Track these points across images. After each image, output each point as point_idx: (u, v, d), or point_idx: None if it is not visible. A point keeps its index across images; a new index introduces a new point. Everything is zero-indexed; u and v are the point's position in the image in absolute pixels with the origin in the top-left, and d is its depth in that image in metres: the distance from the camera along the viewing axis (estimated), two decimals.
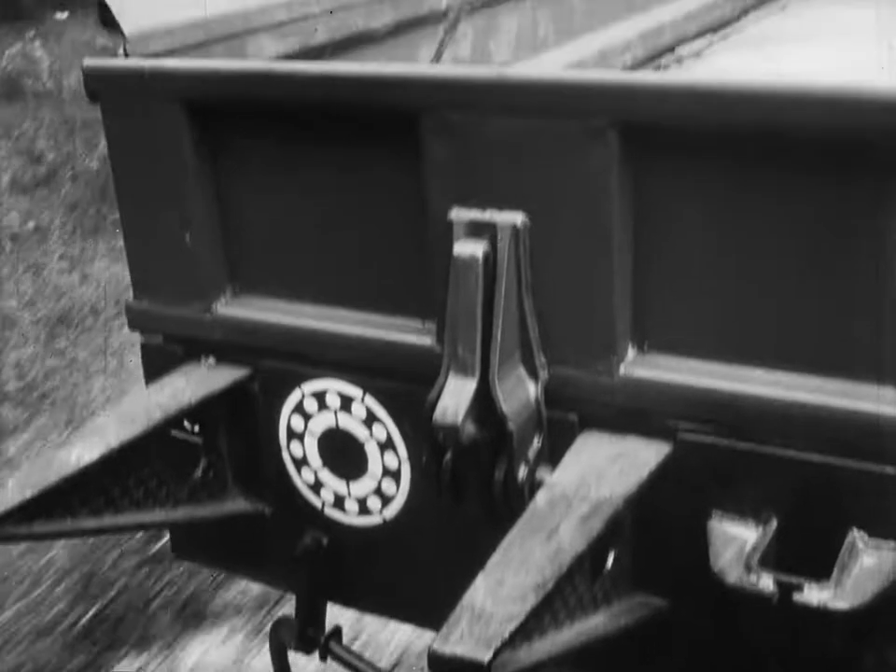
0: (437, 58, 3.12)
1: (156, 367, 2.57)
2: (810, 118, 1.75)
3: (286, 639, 2.75)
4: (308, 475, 2.48)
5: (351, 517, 2.46)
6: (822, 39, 6.16)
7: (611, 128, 1.86)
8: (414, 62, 3.61)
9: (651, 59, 5.41)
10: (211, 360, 2.52)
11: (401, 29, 3.51)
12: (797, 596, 1.77)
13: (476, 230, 2.01)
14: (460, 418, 1.98)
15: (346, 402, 2.34)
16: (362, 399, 2.32)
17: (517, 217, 1.99)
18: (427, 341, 2.17)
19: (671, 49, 5.65)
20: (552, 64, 3.99)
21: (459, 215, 2.03)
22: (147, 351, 2.64)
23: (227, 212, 2.40)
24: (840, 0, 7.64)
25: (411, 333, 2.21)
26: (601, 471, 1.97)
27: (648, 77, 1.94)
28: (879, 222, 1.77)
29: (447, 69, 2.23)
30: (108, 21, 2.57)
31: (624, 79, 1.91)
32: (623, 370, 2.01)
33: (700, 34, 6.04)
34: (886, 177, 1.75)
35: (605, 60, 4.83)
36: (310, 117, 2.23)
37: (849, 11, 7.20)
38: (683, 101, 1.83)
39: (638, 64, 5.26)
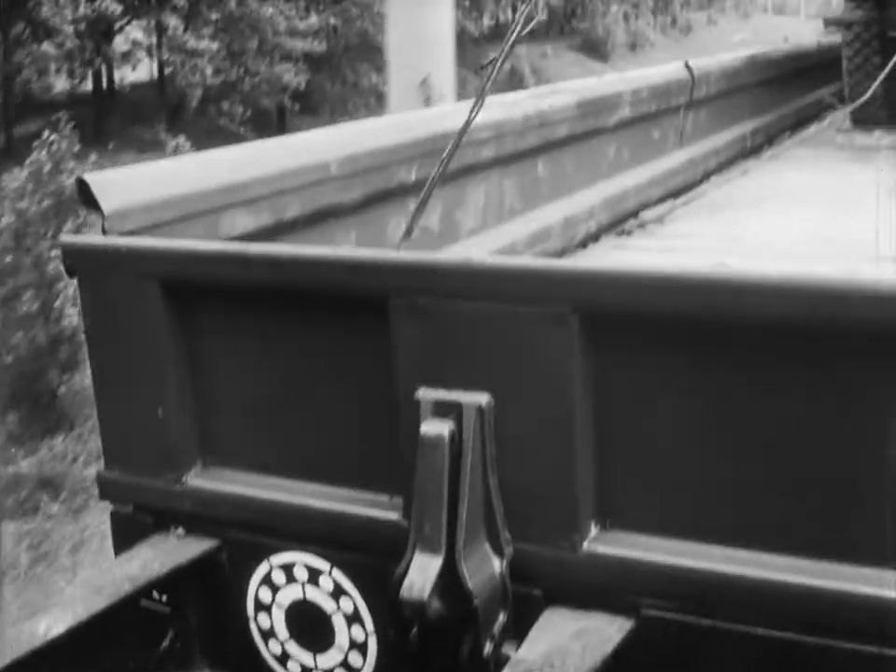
0: (408, 233, 3.21)
1: (125, 536, 2.58)
2: (752, 305, 1.84)
3: None
4: (275, 647, 2.48)
5: None
6: (781, 204, 6.36)
7: (572, 313, 1.94)
8: (384, 234, 3.72)
9: (616, 224, 5.57)
10: (180, 531, 2.54)
11: (371, 202, 3.62)
12: None
13: (442, 409, 2.06)
14: (426, 594, 2.01)
15: (314, 575, 2.36)
16: (330, 573, 2.34)
17: (482, 398, 2.04)
18: (394, 516, 2.21)
19: (635, 214, 5.82)
20: (481, 249, 4.12)
21: (426, 394, 2.08)
22: (116, 520, 2.66)
23: (199, 386, 2.45)
24: (799, 164, 7.91)
25: (378, 508, 2.25)
26: (566, 648, 1.99)
27: (606, 266, 2.02)
28: (826, 405, 1.85)
29: (415, 255, 2.30)
30: (88, 199, 2.65)
31: (584, 269, 1.99)
32: (586, 546, 2.05)
33: (663, 199, 6.23)
34: (829, 363, 1.82)
35: (569, 227, 4.97)
36: (282, 296, 2.30)
37: (807, 175, 7.44)
38: (639, 289, 1.91)
39: (603, 230, 5.42)
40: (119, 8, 23.77)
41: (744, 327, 1.89)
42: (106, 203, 2.63)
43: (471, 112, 3.18)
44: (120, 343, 2.48)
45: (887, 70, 7.74)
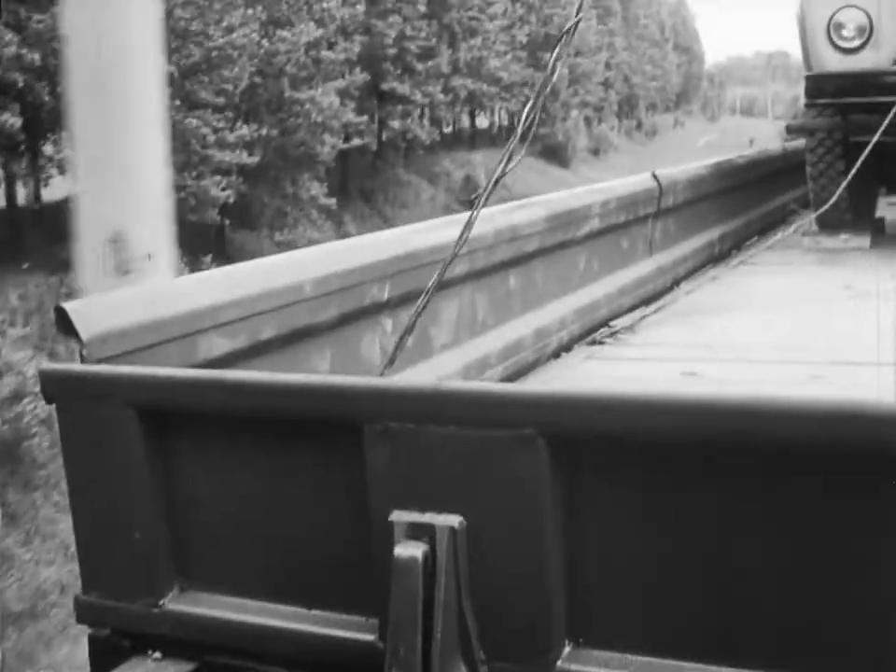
0: (391, 361, 3.28)
1: (103, 660, 2.59)
2: (707, 426, 1.90)
3: None
4: None
5: None
6: (751, 309, 6.47)
7: (539, 436, 1.99)
8: (358, 352, 3.78)
9: (588, 334, 5.65)
10: (157, 655, 2.55)
11: (345, 321, 3.69)
12: None
13: (416, 531, 2.10)
14: None
15: None
16: None
17: (455, 520, 2.08)
18: (370, 637, 2.23)
19: (607, 323, 5.90)
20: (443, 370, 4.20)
21: (400, 517, 2.12)
22: (94, 643, 2.66)
23: (177, 511, 2.48)
24: (767, 269, 8.05)
25: (355, 630, 2.27)
26: None
27: (569, 390, 2.07)
28: (786, 525, 1.90)
29: (387, 381, 2.36)
30: (67, 328, 2.71)
31: (549, 393, 2.05)
32: (560, 665, 2.07)
33: (634, 307, 6.32)
34: (794, 483, 1.88)
35: (541, 338, 5.05)
36: (258, 421, 2.34)
37: (776, 280, 7.57)
38: (602, 412, 1.97)
39: (575, 340, 5.49)
40: (18, 122, 23.63)
41: (705, 447, 1.94)
42: (85, 331, 2.69)
43: (462, 234, 3.28)
44: (98, 467, 2.52)
45: (850, 175, 7.91)
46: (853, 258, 8.45)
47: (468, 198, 49.61)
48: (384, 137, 49.22)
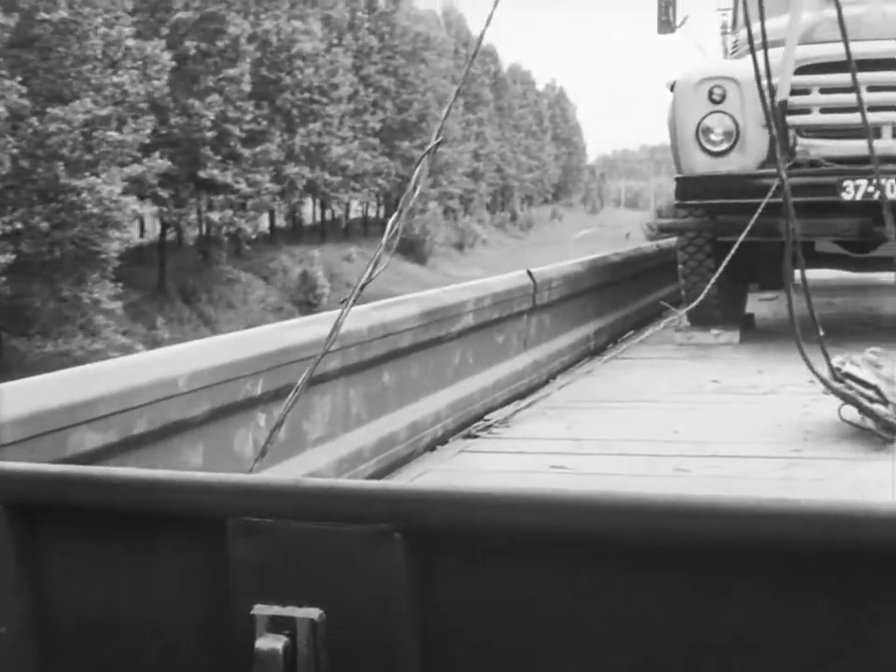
0: (262, 454, 3.33)
1: None
2: (576, 523, 1.99)
3: None
4: None
5: None
6: (623, 403, 6.64)
7: (396, 531, 2.07)
8: (231, 447, 3.83)
9: (462, 427, 5.76)
10: None
11: (218, 416, 3.74)
12: None
13: (277, 624, 2.15)
14: None
15: None
16: None
17: (315, 613, 2.14)
18: None
19: (481, 416, 6.02)
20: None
21: (261, 610, 2.17)
22: None
23: (45, 605, 2.50)
24: (640, 363, 8.26)
25: None
26: None
27: (424, 486, 2.16)
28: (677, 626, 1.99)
29: (249, 478, 2.42)
30: None
31: (404, 489, 2.13)
32: None
33: (509, 401, 6.45)
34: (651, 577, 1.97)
35: (415, 432, 5.14)
36: (125, 516, 2.38)
37: (648, 374, 7.78)
38: (456, 507, 2.05)
39: (449, 434, 5.59)
40: None
41: (562, 543, 2.03)
42: None
43: (331, 333, 3.35)
44: None
45: (718, 273, 8.18)
46: (723, 353, 8.71)
47: (304, 298, 47.63)
48: (205, 231, 45.98)
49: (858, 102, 5.90)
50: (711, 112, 8.68)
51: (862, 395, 5.21)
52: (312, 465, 4.29)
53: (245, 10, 45.98)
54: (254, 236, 46.08)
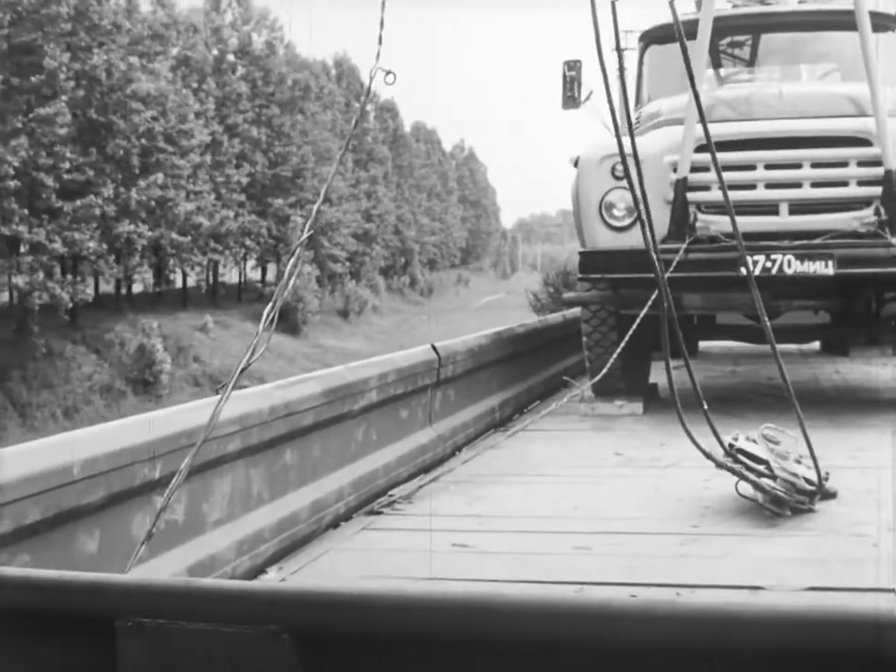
0: (149, 536, 3.32)
1: None
2: (455, 624, 2.01)
3: None
4: None
5: None
6: (528, 476, 6.69)
7: (285, 633, 2.08)
8: (128, 533, 3.80)
9: (366, 504, 5.76)
10: None
11: (115, 501, 3.71)
12: None
13: None
14: None
15: None
16: None
17: None
18: None
19: (385, 492, 6.03)
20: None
21: None
22: None
23: None
24: (545, 435, 8.33)
25: None
26: None
27: (314, 587, 2.17)
28: None
29: (138, 578, 2.42)
30: None
31: (293, 590, 2.15)
32: None
33: (413, 476, 6.47)
34: None
35: (318, 510, 5.13)
36: (11, 615, 2.36)
37: (552, 446, 7.85)
38: (346, 609, 2.07)
39: (352, 511, 5.59)
40: None
41: (460, 644, 2.05)
42: None
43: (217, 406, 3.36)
44: None
45: (621, 346, 8.31)
46: (626, 424, 8.82)
47: (140, 375, 42.33)
48: (13, 297, 40.01)
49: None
50: (614, 188, 8.85)
51: (751, 470, 5.33)
52: (210, 548, 4.27)
53: (71, 43, 40.58)
54: (70, 305, 41.05)
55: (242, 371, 3.20)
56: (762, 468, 5.33)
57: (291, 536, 4.90)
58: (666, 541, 5.09)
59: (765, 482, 5.32)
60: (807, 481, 5.43)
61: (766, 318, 10.02)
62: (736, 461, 5.34)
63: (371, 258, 73.42)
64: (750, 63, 10.46)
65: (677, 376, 11.84)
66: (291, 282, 3.26)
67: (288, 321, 52.67)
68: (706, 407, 5.38)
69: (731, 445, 5.38)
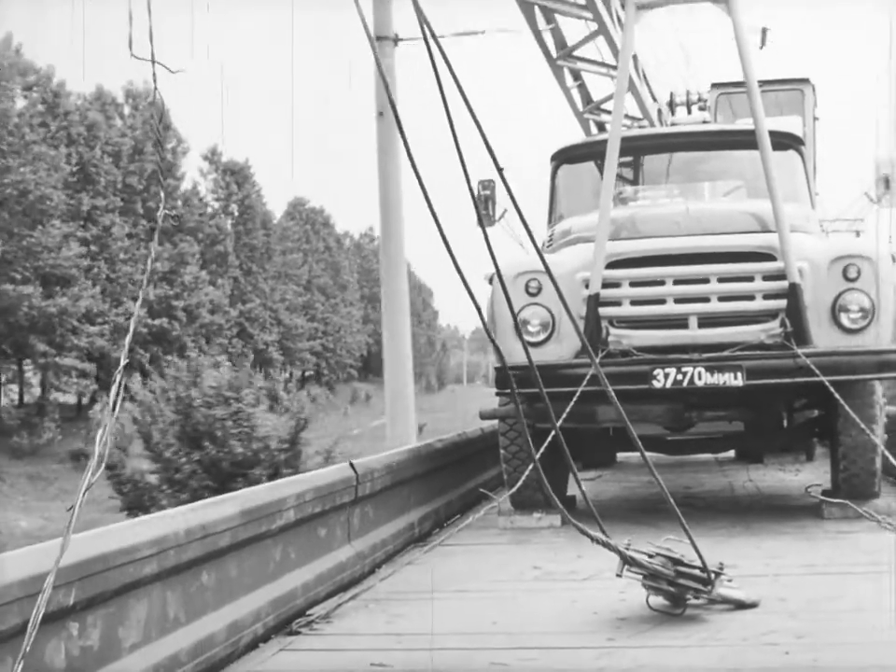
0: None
1: None
2: None
3: None
4: None
5: None
6: (447, 592, 6.71)
7: None
8: (42, 659, 3.78)
9: (284, 624, 5.76)
10: None
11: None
12: None
13: None
14: None
15: None
16: None
17: None
18: None
19: (303, 611, 6.03)
20: None
21: None
22: None
23: None
24: (464, 549, 8.37)
25: None
26: None
27: None
28: None
29: None
30: None
31: None
32: None
33: (332, 594, 6.48)
34: None
35: (235, 632, 5.13)
36: None
37: (471, 560, 7.88)
38: None
39: (270, 631, 5.59)
40: None
41: None
42: None
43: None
44: None
45: (536, 457, 8.40)
46: (545, 536, 8.89)
47: None
48: None
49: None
50: (528, 304, 9.04)
51: (651, 577, 5.60)
52: None
53: None
54: None
55: (87, 490, 3.30)
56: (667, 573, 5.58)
57: (208, 659, 4.88)
58: (583, 655, 5.15)
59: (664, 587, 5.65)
60: (696, 577, 5.68)
61: (680, 427, 10.25)
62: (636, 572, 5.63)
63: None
64: (657, 181, 10.79)
65: (595, 487, 12.03)
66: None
67: None
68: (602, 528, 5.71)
69: (631, 558, 5.60)
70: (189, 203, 64.12)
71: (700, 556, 5.64)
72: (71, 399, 58.82)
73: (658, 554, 5.68)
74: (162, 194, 4.95)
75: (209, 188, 69.99)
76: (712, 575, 5.69)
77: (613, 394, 6.18)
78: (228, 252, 66.39)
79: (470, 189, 4.99)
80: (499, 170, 5.13)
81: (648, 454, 10.38)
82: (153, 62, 4.04)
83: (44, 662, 3.84)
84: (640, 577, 5.68)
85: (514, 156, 9.73)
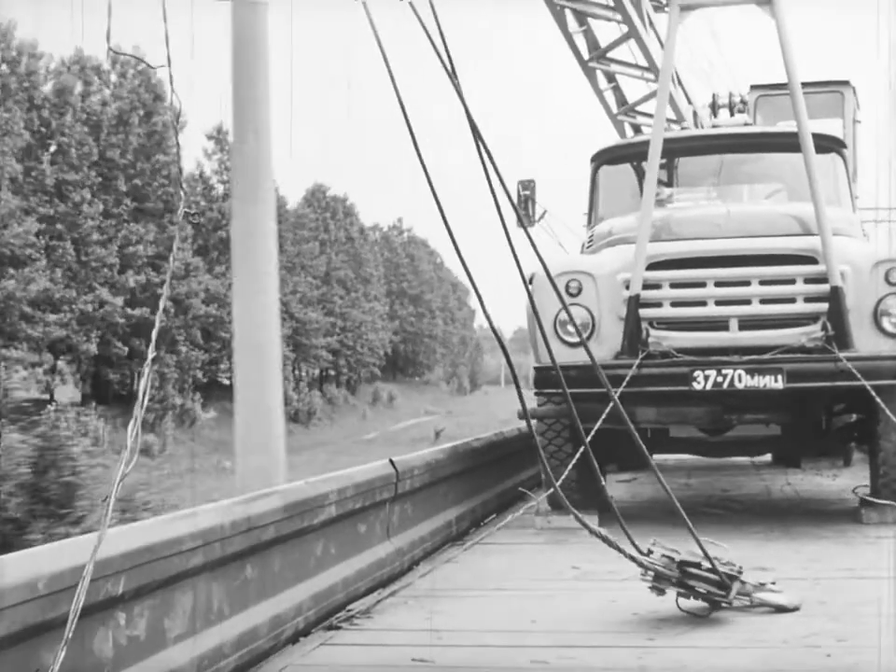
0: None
1: None
2: None
3: None
4: None
5: None
6: (485, 590, 6.73)
7: None
8: (92, 648, 3.82)
9: (324, 619, 5.79)
10: None
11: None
12: None
13: None
14: None
15: None
16: None
17: None
18: None
19: (344, 607, 6.06)
20: None
21: None
22: None
23: None
24: (501, 549, 8.39)
25: None
26: None
27: None
28: None
29: None
30: None
31: None
32: None
33: (371, 590, 6.50)
34: None
35: (277, 625, 5.17)
36: None
37: (509, 560, 7.90)
38: None
39: (311, 625, 5.62)
40: None
41: None
42: None
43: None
44: None
45: (575, 458, 8.41)
46: (582, 536, 8.81)
47: None
48: None
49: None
50: (568, 304, 9.03)
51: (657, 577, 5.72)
52: (171, 663, 4.29)
53: None
54: None
55: (121, 481, 3.34)
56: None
57: (251, 651, 4.91)
58: (623, 654, 5.15)
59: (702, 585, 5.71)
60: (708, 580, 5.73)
61: (719, 428, 10.21)
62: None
63: (168, 366, 55.28)
64: (693, 183, 10.76)
65: (631, 490, 12.00)
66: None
67: None
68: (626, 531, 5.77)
69: (649, 551, 5.62)
70: (189, 183, 59.74)
71: (709, 559, 5.62)
72: (23, 394, 57.34)
73: (665, 556, 5.68)
74: (182, 193, 4.92)
75: (214, 168, 65.67)
76: (727, 579, 5.69)
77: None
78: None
79: (506, 191, 5.01)
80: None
81: (685, 455, 10.34)
82: (169, 66, 4.03)
83: (93, 651, 3.88)
84: (648, 576, 5.75)
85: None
